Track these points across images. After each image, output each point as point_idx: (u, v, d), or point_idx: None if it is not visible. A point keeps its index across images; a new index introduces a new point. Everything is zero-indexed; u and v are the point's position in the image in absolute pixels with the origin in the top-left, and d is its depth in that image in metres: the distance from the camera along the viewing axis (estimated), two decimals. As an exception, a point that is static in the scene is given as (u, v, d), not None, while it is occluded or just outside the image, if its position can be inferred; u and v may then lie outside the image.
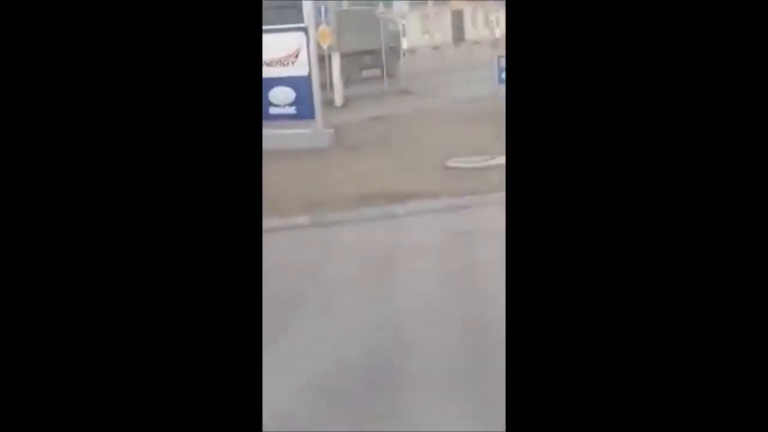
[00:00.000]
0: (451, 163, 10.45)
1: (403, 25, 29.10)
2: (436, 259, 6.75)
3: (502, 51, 22.68)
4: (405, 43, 28.69)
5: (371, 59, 24.02)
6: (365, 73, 23.99)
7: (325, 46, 17.34)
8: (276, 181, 9.39)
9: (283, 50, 12.59)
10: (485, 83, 17.86)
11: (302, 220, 8.26)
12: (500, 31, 39.21)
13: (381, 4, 26.38)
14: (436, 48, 42.34)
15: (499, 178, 9.18)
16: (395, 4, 23.98)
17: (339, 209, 8.49)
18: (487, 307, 5.46)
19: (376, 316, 5.52)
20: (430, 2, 46.31)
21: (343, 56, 19.71)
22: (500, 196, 8.47)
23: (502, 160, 10.18)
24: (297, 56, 12.62)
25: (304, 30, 12.54)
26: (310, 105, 12.68)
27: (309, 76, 12.61)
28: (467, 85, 19.97)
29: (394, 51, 24.43)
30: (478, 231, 7.51)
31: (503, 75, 18.05)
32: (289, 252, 7.24)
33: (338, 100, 18.46)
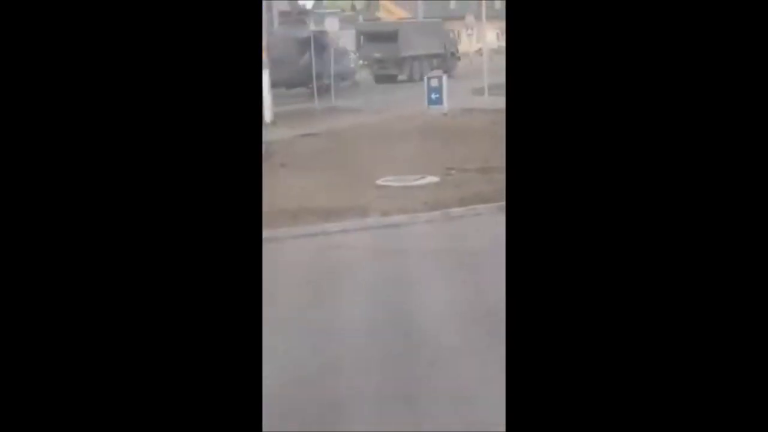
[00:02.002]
0: (381, 181, 10.38)
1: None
2: (362, 277, 6.63)
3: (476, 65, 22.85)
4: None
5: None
6: (293, 91, 24.09)
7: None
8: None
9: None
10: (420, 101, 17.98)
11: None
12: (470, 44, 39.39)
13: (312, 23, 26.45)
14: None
15: (430, 197, 9.15)
16: (327, 20, 23.94)
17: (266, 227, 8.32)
18: (413, 327, 5.38)
19: (302, 334, 5.41)
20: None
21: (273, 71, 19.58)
22: (430, 215, 8.44)
23: (431, 179, 10.19)
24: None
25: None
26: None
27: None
28: (406, 102, 20.03)
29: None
30: (407, 249, 7.43)
31: (433, 95, 18.13)
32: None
33: (267, 116, 18.29)
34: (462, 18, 32.11)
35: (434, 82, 18.37)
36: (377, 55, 29.50)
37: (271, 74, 18.89)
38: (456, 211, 8.62)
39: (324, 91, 22.40)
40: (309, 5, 30.35)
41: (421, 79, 20.67)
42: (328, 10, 34.74)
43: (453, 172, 10.64)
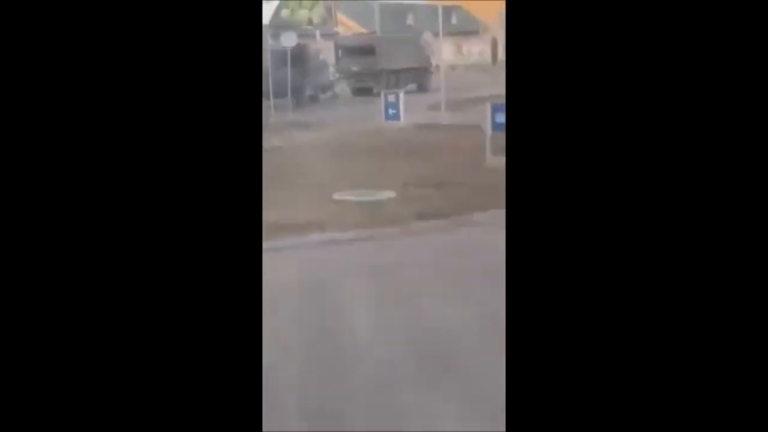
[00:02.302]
0: (337, 196, 10.36)
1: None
2: (315, 296, 6.60)
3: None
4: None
5: None
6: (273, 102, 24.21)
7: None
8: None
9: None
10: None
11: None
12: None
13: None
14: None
15: (387, 212, 9.15)
16: (283, 36, 23.91)
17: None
18: (349, 346, 5.34)
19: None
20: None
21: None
22: (387, 231, 8.44)
23: (388, 194, 10.20)
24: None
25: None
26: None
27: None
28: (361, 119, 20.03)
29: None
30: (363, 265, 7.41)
31: (390, 111, 18.17)
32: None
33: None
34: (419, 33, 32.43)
35: (391, 98, 18.44)
36: (355, 68, 29.77)
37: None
38: (416, 225, 8.63)
39: (303, 103, 22.32)
40: (266, 20, 30.45)
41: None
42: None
43: (410, 187, 10.65)
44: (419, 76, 31.17)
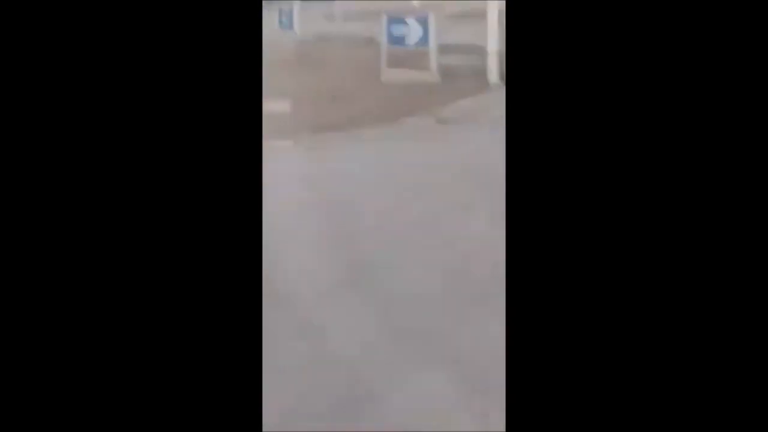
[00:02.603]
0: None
1: None
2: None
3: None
4: None
5: None
6: None
7: None
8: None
9: None
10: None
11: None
12: None
13: None
14: None
15: (282, 124, 9.01)
16: None
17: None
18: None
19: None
20: None
21: None
22: (280, 144, 8.29)
23: (280, 106, 10.04)
24: None
25: None
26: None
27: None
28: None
29: None
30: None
31: (283, 19, 17.78)
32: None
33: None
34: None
35: (285, 7, 18.05)
36: None
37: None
38: (304, 139, 8.54)
39: None
40: None
41: None
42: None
43: (304, 100, 10.52)
44: None
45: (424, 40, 11.66)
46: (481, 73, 11.40)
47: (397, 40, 11.79)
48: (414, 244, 5.41)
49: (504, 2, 10.79)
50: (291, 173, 7.38)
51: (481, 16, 12.03)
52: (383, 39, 12.06)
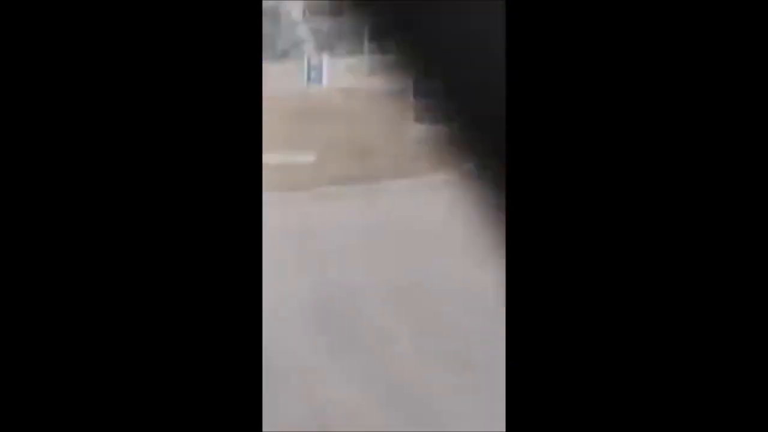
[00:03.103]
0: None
1: None
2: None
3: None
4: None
5: None
6: None
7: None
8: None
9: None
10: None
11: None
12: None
13: None
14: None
15: (305, 175, 9.08)
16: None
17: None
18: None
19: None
20: None
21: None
22: (307, 193, 8.36)
23: (306, 158, 10.14)
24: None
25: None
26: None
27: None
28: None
29: None
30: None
31: (312, 73, 18.03)
32: None
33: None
34: None
35: (314, 61, 18.30)
36: (322, 28, 31.27)
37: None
38: (329, 189, 8.60)
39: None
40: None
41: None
42: None
43: (330, 152, 10.60)
44: None
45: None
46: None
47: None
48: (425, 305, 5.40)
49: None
50: (310, 222, 7.42)
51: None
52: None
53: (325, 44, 28.65)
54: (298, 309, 5.33)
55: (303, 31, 30.55)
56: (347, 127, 12.46)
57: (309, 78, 17.81)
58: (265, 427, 2.60)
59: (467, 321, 4.92)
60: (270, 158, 10.22)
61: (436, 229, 7.23)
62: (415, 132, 11.49)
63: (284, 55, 27.35)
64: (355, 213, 7.94)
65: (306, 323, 5.06)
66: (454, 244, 6.56)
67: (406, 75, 2.54)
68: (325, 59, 18.14)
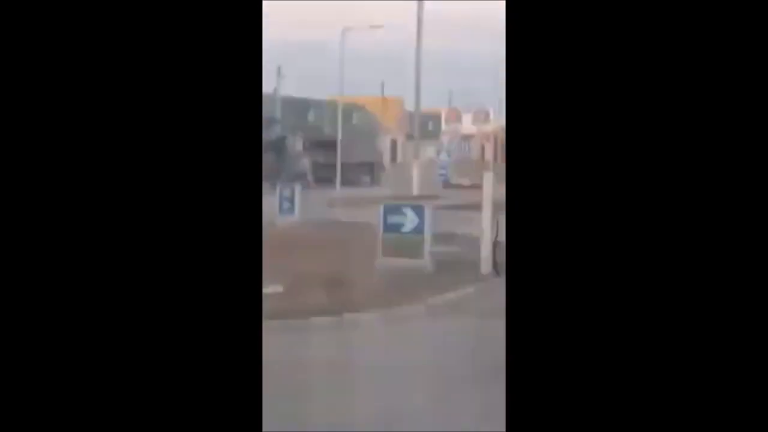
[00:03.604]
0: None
1: None
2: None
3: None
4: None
5: None
6: None
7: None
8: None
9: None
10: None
11: None
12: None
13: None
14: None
15: (272, 306, 9.08)
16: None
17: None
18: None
19: None
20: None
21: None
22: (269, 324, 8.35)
23: (275, 288, 10.14)
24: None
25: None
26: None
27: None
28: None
29: None
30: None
31: (285, 205, 18.20)
32: None
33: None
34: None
35: (287, 192, 18.49)
36: (320, 160, 33.43)
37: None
38: (295, 322, 8.59)
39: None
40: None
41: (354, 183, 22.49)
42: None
43: (299, 283, 10.64)
44: (372, 170, 35.40)
45: (420, 228, 11.94)
46: (473, 264, 11.61)
47: (391, 228, 12.07)
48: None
49: (504, 213, 11.19)
50: (280, 354, 7.41)
51: (476, 207, 12.38)
52: (380, 227, 12.35)
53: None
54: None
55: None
56: (318, 259, 12.53)
57: (281, 210, 18.00)
58: (265, 427, 2.55)
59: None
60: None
61: (407, 363, 7.24)
62: (384, 264, 11.61)
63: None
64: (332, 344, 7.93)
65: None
66: (427, 378, 6.58)
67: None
68: (297, 191, 18.37)
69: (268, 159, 26.05)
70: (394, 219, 12.18)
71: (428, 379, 6.65)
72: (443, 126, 39.90)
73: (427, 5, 33.71)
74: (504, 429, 2.35)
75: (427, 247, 11.87)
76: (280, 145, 31.54)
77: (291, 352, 7.63)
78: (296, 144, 33.57)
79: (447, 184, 32.77)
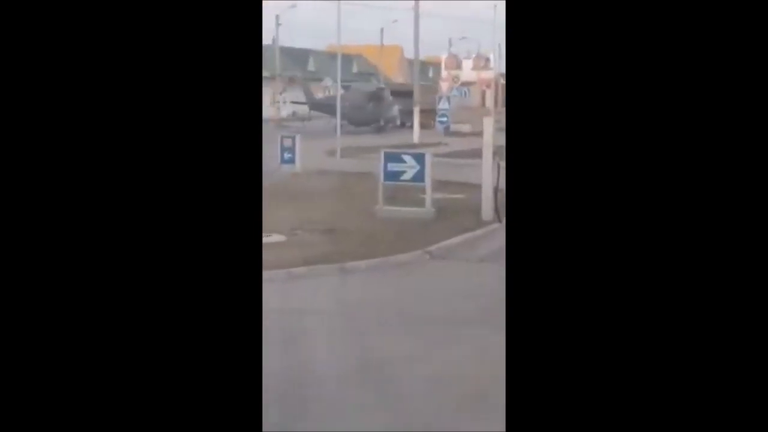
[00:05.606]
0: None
1: None
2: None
3: (287, 131, 23.25)
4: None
5: None
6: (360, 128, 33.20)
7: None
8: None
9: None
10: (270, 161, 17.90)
11: None
12: (286, 110, 40.40)
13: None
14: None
15: (274, 256, 9.12)
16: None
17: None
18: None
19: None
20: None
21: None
22: (272, 273, 8.39)
23: (277, 238, 10.17)
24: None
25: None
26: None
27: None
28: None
29: None
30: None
31: (286, 155, 18.15)
32: None
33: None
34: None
35: (287, 142, 18.41)
36: (400, 107, 38.10)
37: (345, 116, 25.63)
38: (298, 270, 8.62)
39: (380, 129, 33.46)
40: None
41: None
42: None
43: (299, 232, 10.66)
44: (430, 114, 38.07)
45: (420, 176, 11.92)
46: (474, 209, 11.62)
47: (391, 176, 12.05)
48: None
49: (504, 146, 11.16)
50: (283, 302, 7.46)
51: (477, 155, 12.36)
52: (380, 175, 12.31)
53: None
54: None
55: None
56: (318, 208, 12.54)
57: (283, 160, 17.95)
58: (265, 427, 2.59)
59: (436, 398, 4.96)
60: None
61: (404, 307, 7.27)
62: (384, 211, 11.62)
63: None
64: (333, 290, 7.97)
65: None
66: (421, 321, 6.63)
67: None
68: (298, 141, 18.29)
69: (369, 107, 35.39)
70: (394, 167, 12.14)
71: (428, 323, 6.69)
72: (443, 73, 39.67)
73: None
74: (504, 429, 2.36)
75: (429, 194, 11.86)
76: (379, 95, 37.35)
77: (294, 298, 7.68)
78: (388, 94, 38.63)
79: (448, 131, 32.65)
